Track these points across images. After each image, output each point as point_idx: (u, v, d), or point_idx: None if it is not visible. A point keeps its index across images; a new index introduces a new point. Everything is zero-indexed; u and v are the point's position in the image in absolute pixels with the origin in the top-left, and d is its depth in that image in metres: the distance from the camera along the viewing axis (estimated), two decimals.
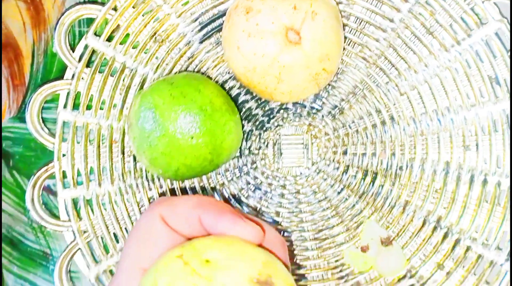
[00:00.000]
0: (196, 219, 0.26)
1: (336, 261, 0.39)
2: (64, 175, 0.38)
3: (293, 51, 0.32)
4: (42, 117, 0.39)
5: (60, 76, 0.39)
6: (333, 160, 0.40)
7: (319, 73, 0.33)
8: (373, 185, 0.39)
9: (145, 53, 0.38)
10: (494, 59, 0.37)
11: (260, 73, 0.33)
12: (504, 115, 0.37)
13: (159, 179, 0.39)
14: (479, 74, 0.37)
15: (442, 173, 0.38)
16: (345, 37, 0.39)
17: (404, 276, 0.38)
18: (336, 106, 0.40)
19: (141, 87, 0.38)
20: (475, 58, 0.37)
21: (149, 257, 0.26)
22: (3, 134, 0.41)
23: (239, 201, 0.40)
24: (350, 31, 0.39)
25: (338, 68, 0.39)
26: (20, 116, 0.41)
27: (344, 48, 0.38)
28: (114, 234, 0.39)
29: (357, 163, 0.40)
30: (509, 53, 0.37)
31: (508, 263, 0.36)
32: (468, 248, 0.37)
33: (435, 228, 0.38)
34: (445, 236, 0.38)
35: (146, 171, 0.39)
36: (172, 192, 0.39)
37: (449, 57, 0.38)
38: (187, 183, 0.39)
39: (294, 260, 0.39)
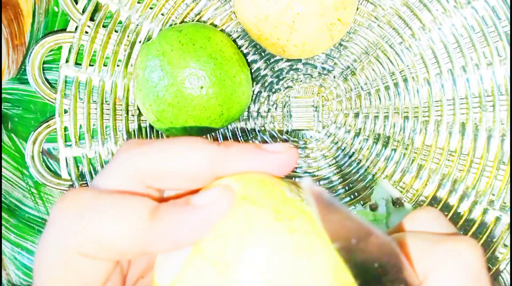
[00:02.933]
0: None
1: None
2: (67, 137, 0.37)
3: None
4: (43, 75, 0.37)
5: (62, 30, 0.38)
6: (345, 123, 0.39)
7: (334, 23, 0.32)
8: (385, 149, 0.38)
9: (151, 8, 0.37)
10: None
11: (273, 21, 0.32)
12: None
13: None
14: (496, 31, 0.36)
15: (457, 135, 0.37)
16: None
17: None
18: (348, 67, 0.38)
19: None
20: (491, 15, 0.36)
21: None
22: (2, 95, 0.39)
23: None
24: None
25: (350, 27, 0.38)
26: (19, 77, 0.39)
27: (357, 7, 0.37)
28: None
29: (369, 126, 0.38)
30: None
31: None
32: (485, 211, 0.36)
33: (450, 192, 0.37)
34: (461, 199, 0.36)
35: (150, 129, 0.37)
36: None
37: (464, 14, 0.37)
38: None
39: None
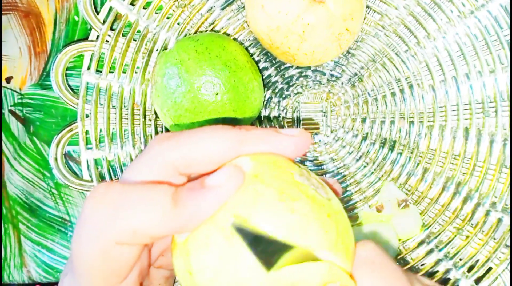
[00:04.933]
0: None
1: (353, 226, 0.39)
2: (88, 141, 0.38)
3: (317, 9, 0.33)
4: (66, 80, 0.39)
5: (84, 39, 0.40)
6: (352, 128, 0.40)
7: (342, 33, 0.34)
8: (391, 153, 0.39)
9: (168, 18, 0.39)
10: None
11: (284, 31, 0.33)
12: None
13: None
14: (498, 40, 0.38)
15: (461, 139, 0.38)
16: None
17: (423, 242, 0.38)
18: (355, 74, 0.40)
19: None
20: (494, 24, 0.38)
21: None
22: (24, 100, 0.41)
23: None
24: None
25: (358, 36, 0.39)
26: (41, 83, 0.41)
27: (364, 17, 0.39)
28: None
29: (376, 131, 0.40)
30: None
31: None
32: (487, 213, 0.37)
33: (454, 194, 0.38)
34: (464, 201, 0.38)
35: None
36: None
37: (468, 23, 0.38)
38: None
39: None
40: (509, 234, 0.37)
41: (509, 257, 0.37)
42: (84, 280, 0.22)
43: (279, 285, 0.19)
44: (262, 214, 0.20)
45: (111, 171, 0.38)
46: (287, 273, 0.19)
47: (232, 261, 0.20)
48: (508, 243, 0.37)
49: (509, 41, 0.38)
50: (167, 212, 0.20)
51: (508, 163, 0.37)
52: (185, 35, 0.39)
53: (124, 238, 0.20)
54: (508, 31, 0.37)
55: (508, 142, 0.37)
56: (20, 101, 0.41)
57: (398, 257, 0.38)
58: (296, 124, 0.40)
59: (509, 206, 0.37)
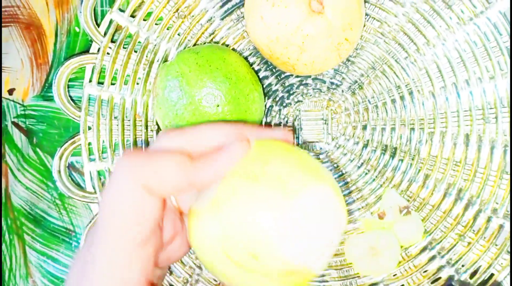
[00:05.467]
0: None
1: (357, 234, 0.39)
2: (91, 152, 0.39)
3: (316, 20, 0.33)
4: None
5: (85, 52, 0.40)
6: (353, 135, 0.40)
7: (341, 43, 0.34)
8: (392, 159, 0.40)
9: (168, 29, 0.39)
10: None
11: (283, 42, 0.33)
12: None
13: None
14: (498, 46, 0.38)
15: (462, 145, 0.39)
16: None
17: (425, 248, 0.38)
18: (355, 81, 0.40)
19: (164, 62, 0.39)
20: (493, 31, 0.38)
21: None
22: (27, 112, 0.42)
23: None
24: (369, 7, 0.39)
25: (357, 44, 0.40)
26: (43, 95, 0.42)
27: (363, 25, 0.39)
28: None
29: (377, 138, 0.40)
30: None
31: None
32: (489, 219, 0.37)
33: (455, 201, 0.38)
34: (466, 207, 0.38)
35: None
36: None
37: (467, 30, 0.38)
38: None
39: None
40: (509, 240, 0.37)
41: (509, 263, 0.37)
42: (109, 232, 0.24)
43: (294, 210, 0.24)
44: (277, 160, 0.26)
45: None
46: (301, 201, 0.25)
47: (259, 202, 0.24)
48: (509, 250, 0.37)
49: (509, 47, 0.38)
50: (187, 165, 0.25)
51: (508, 169, 0.37)
52: (186, 46, 0.39)
53: (150, 182, 0.24)
54: (508, 38, 0.38)
55: (509, 148, 0.38)
56: (23, 112, 0.42)
57: (400, 264, 0.39)
58: (297, 133, 0.40)
59: (510, 212, 0.37)
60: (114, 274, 0.24)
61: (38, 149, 0.42)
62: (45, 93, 0.42)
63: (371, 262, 0.38)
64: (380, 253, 0.37)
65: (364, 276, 0.38)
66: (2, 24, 0.42)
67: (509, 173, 0.37)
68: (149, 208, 0.24)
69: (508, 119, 0.38)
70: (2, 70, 0.42)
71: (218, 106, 0.33)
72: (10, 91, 0.42)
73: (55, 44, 0.42)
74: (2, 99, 0.42)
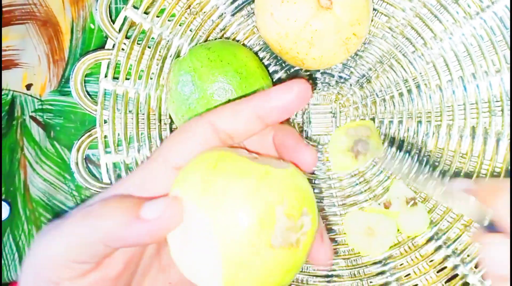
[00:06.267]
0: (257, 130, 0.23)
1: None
2: (107, 144, 0.40)
3: (324, 16, 0.34)
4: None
5: (101, 48, 0.41)
6: None
7: (349, 38, 0.35)
8: (400, 151, 0.40)
9: (180, 25, 0.40)
10: None
11: (293, 38, 0.34)
12: None
13: None
14: (504, 40, 0.38)
15: (468, 138, 0.39)
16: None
17: (431, 238, 0.39)
18: (363, 75, 0.41)
19: (177, 57, 0.40)
20: (499, 25, 0.38)
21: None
22: (44, 106, 0.43)
23: None
24: (377, 2, 0.40)
25: (365, 38, 0.40)
26: (60, 90, 0.43)
27: (371, 20, 0.40)
28: None
29: (384, 130, 0.41)
30: None
31: None
32: None
33: None
34: None
35: None
36: None
37: (474, 24, 0.39)
38: None
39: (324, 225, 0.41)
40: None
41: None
42: None
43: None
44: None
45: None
46: None
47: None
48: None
49: None
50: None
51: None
52: (197, 42, 0.40)
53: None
54: None
55: None
56: (40, 107, 0.43)
57: (407, 253, 0.39)
58: (306, 125, 0.41)
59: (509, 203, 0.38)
60: None
61: (55, 142, 0.43)
62: (62, 88, 0.43)
63: (363, 240, 0.39)
64: (374, 236, 0.39)
65: (352, 250, 0.40)
66: (19, 21, 0.43)
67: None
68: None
69: None
70: (20, 66, 0.43)
71: (229, 100, 0.34)
72: (28, 86, 0.43)
73: (71, 40, 0.43)
74: (20, 94, 0.43)
